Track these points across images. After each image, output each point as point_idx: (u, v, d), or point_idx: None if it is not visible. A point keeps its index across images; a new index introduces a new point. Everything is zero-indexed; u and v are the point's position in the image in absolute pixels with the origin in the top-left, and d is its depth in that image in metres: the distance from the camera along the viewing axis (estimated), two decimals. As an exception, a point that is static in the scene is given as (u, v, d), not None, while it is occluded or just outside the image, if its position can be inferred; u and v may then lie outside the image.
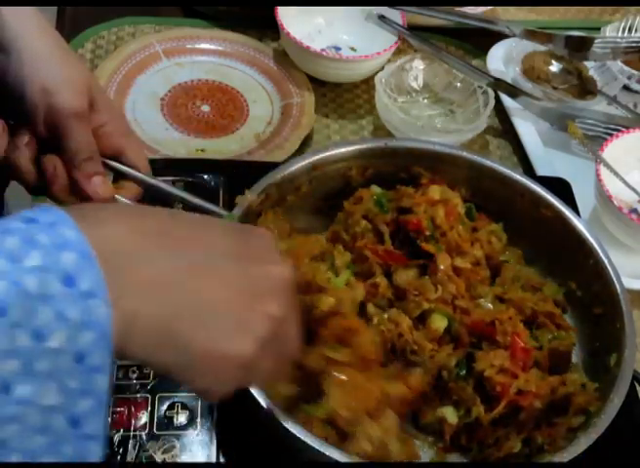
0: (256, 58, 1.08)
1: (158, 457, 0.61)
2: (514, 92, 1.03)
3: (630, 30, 1.09)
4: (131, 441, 0.62)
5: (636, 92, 1.09)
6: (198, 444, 0.63)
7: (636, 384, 0.71)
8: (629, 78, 1.08)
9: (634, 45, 1.02)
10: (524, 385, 0.65)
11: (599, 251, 0.73)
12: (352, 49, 1.10)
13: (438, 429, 0.67)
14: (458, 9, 1.12)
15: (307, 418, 0.59)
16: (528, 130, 1.03)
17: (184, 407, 0.64)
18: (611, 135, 0.97)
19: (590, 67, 1.10)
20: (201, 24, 1.12)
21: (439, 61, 1.05)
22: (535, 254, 0.79)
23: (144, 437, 0.62)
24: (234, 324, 0.45)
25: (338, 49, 1.10)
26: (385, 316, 0.68)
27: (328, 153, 0.77)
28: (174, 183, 0.74)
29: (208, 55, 1.08)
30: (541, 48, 1.08)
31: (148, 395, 0.65)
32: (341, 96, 1.08)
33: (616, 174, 0.93)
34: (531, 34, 1.05)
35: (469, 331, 0.69)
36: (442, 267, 0.71)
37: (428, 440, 0.68)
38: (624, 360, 0.66)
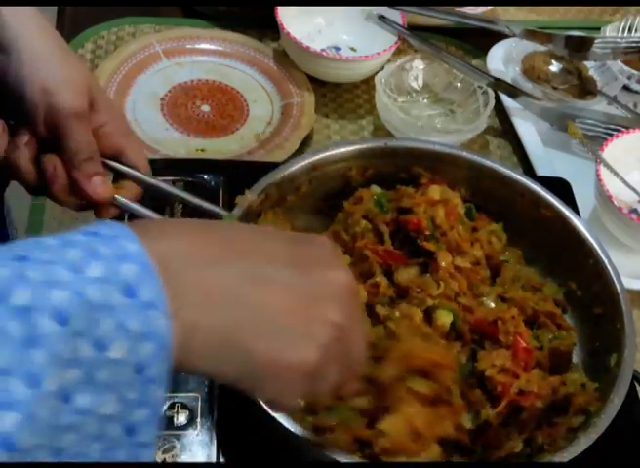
0: (256, 58, 1.08)
1: (158, 457, 0.61)
2: (514, 92, 1.03)
3: (630, 30, 1.09)
4: (131, 441, 0.62)
5: (636, 92, 1.09)
6: (198, 444, 0.63)
7: (636, 384, 0.71)
8: (629, 78, 1.08)
9: (634, 45, 1.02)
10: (525, 385, 0.65)
11: (599, 251, 0.73)
12: (352, 49, 1.10)
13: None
14: (458, 9, 1.12)
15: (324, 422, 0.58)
16: (528, 130, 1.03)
17: (184, 407, 0.64)
18: (611, 135, 0.97)
19: (590, 67, 1.10)
20: (201, 24, 1.12)
21: (439, 61, 1.05)
22: (535, 254, 0.79)
23: (144, 437, 0.62)
24: (296, 332, 0.45)
25: (338, 49, 1.10)
26: (397, 313, 0.68)
27: (328, 153, 0.77)
28: (174, 183, 0.74)
29: (208, 55, 1.08)
30: (541, 48, 1.08)
31: (148, 395, 0.65)
32: (341, 96, 1.08)
33: (616, 174, 0.93)
34: (531, 34, 1.05)
35: (472, 329, 0.69)
36: (443, 265, 0.71)
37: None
38: (624, 360, 0.66)
